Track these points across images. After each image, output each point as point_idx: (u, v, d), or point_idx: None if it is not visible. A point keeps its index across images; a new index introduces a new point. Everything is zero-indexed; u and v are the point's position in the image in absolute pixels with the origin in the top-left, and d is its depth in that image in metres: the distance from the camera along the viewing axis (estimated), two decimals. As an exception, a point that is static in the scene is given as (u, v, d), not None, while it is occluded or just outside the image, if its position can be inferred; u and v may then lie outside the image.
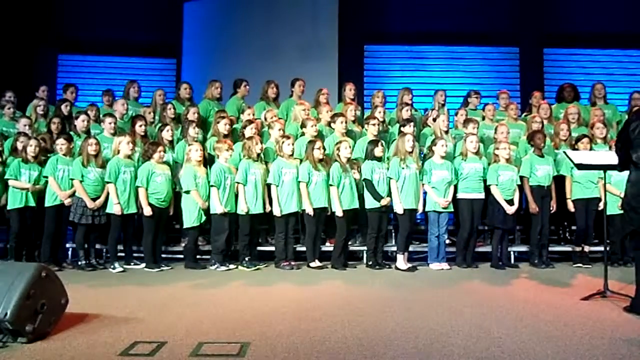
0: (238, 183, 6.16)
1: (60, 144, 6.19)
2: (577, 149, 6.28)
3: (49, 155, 6.31)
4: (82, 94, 8.30)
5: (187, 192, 6.16)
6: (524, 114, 7.90)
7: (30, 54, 9.49)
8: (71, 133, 6.60)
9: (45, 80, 8.34)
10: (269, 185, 6.27)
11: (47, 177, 6.10)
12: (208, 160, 6.63)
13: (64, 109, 7.15)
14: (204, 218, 6.23)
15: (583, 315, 3.99)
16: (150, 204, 6.08)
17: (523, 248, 6.71)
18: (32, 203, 6.13)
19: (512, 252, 6.56)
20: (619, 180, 5.90)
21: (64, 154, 6.17)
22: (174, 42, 10.27)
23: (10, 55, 8.83)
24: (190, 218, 6.17)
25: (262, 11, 9.85)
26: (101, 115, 7.09)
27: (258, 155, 6.25)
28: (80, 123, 6.70)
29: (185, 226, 6.23)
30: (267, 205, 6.29)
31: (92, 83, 9.47)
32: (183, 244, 6.51)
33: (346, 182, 6.21)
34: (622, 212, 5.84)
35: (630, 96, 7.65)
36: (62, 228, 6.27)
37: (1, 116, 7.10)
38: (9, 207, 6.09)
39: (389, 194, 6.18)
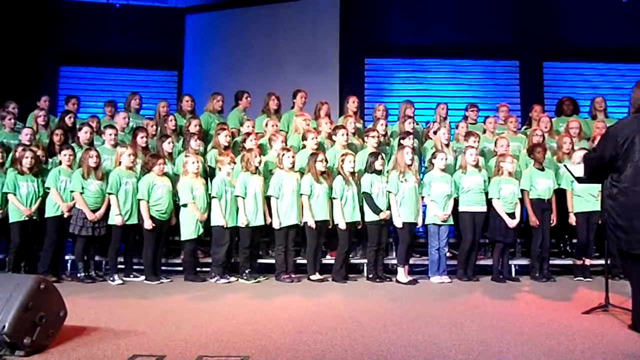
0: (237, 196, 6.16)
1: (69, 154, 6.20)
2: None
3: (44, 166, 6.29)
4: (84, 106, 8.32)
5: (185, 205, 6.16)
6: (524, 127, 7.91)
7: (32, 66, 9.52)
8: (73, 145, 6.61)
9: (47, 92, 8.35)
10: (268, 198, 6.27)
11: (49, 188, 6.10)
12: (209, 173, 6.64)
13: (68, 120, 7.17)
14: (201, 230, 6.21)
15: (585, 329, 3.97)
16: (151, 217, 6.07)
17: (524, 261, 6.68)
18: (34, 216, 6.13)
19: (513, 266, 6.53)
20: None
21: (68, 165, 6.17)
22: (175, 54, 10.33)
23: (11, 66, 8.87)
24: (188, 231, 6.15)
25: (264, 24, 9.91)
26: (102, 127, 7.10)
27: (256, 167, 6.25)
28: (83, 135, 6.69)
29: (183, 239, 6.20)
30: (268, 218, 6.28)
31: (93, 95, 9.49)
32: (183, 257, 6.49)
33: (348, 194, 6.20)
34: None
35: (629, 110, 7.65)
36: (62, 239, 6.26)
37: (2, 127, 7.11)
38: (10, 220, 6.08)
39: (389, 207, 6.18)
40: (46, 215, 6.11)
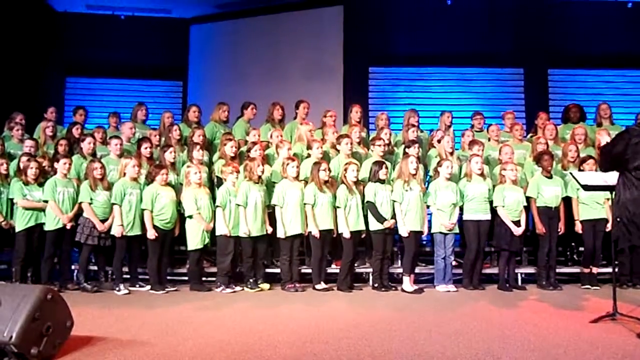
0: (239, 205, 6.16)
1: (69, 163, 6.23)
2: (582, 170, 6.26)
3: (49, 176, 6.33)
4: (90, 116, 8.35)
5: (190, 216, 6.17)
6: (530, 135, 7.89)
7: (38, 77, 9.61)
8: (76, 155, 6.65)
9: (53, 103, 8.42)
10: (273, 207, 6.28)
11: (46, 201, 6.09)
12: (216, 183, 6.66)
13: (75, 131, 7.22)
14: (207, 240, 6.23)
15: (593, 338, 3.94)
16: (155, 226, 6.09)
17: (530, 270, 6.65)
18: (42, 220, 6.13)
19: (519, 274, 6.49)
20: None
21: (64, 175, 6.19)
22: (180, 65, 10.40)
23: (18, 78, 8.94)
24: (195, 241, 6.17)
25: (268, 34, 9.97)
26: (107, 138, 7.14)
27: (259, 177, 6.26)
28: (86, 146, 6.73)
29: (189, 249, 6.21)
30: (268, 227, 6.27)
31: (99, 105, 9.54)
32: (188, 266, 6.49)
33: (352, 204, 6.20)
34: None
35: (637, 116, 7.64)
36: (65, 250, 6.25)
37: (10, 138, 7.15)
38: (17, 230, 6.10)
39: (393, 216, 6.17)
40: (46, 229, 6.10)
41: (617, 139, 4.27)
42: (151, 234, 6.06)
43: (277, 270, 6.41)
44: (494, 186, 6.42)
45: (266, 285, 6.22)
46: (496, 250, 6.60)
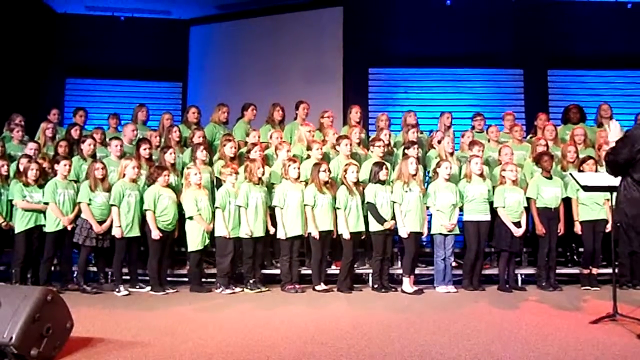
0: (239, 206, 6.16)
1: (69, 164, 6.23)
2: (582, 171, 6.26)
3: (49, 178, 6.33)
4: (90, 117, 8.36)
5: (190, 218, 6.17)
6: (529, 135, 7.90)
7: (39, 78, 9.61)
8: (76, 157, 6.65)
9: (53, 104, 8.42)
10: (271, 208, 6.27)
11: (47, 203, 6.08)
12: (215, 184, 6.66)
13: (74, 133, 7.22)
14: (207, 241, 6.23)
15: (593, 339, 3.94)
16: (157, 227, 6.08)
17: (530, 270, 6.65)
18: (41, 222, 6.13)
19: (519, 275, 6.49)
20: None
21: (64, 176, 6.19)
22: (180, 66, 10.41)
23: (18, 79, 8.94)
24: (195, 242, 6.17)
25: (268, 35, 9.97)
26: (107, 139, 7.14)
27: (259, 178, 6.25)
28: (86, 147, 6.73)
29: (190, 250, 6.22)
30: (270, 228, 6.27)
31: (99, 107, 9.55)
32: (188, 267, 6.49)
33: (352, 205, 6.20)
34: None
35: (637, 117, 7.64)
36: (65, 251, 6.26)
37: (10, 139, 7.15)
38: (16, 231, 6.09)
39: (393, 217, 6.18)
40: (46, 230, 6.10)
41: (618, 146, 4.15)
42: (155, 234, 6.05)
43: (277, 271, 6.41)
44: (493, 187, 6.42)
45: (263, 288, 6.21)
46: (496, 251, 6.61)
